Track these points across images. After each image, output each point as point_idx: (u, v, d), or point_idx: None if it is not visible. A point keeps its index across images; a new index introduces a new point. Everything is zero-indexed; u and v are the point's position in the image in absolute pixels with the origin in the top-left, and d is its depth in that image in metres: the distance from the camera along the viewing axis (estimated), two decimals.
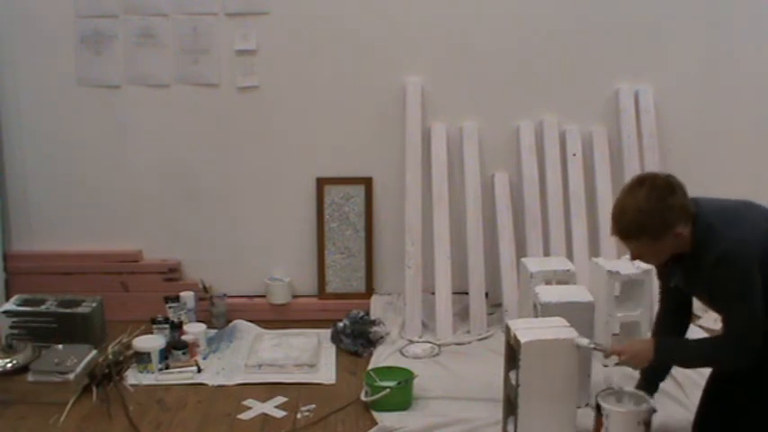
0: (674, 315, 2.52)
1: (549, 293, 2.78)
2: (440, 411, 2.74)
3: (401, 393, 2.77)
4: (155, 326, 3.21)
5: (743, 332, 2.16)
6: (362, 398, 2.79)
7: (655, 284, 3.30)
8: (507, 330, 2.48)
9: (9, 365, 2.99)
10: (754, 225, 2.22)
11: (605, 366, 3.07)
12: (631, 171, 3.58)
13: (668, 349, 2.35)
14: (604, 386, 2.65)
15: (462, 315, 3.54)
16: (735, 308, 2.18)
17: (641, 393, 2.43)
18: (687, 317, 2.53)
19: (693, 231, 2.20)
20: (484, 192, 3.61)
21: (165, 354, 3.08)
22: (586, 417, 2.48)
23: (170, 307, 3.37)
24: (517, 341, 2.36)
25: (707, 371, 2.44)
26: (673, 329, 2.51)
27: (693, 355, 2.32)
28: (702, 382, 2.45)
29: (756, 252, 2.15)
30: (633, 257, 2.30)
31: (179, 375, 3.04)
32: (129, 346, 3.15)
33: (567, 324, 2.48)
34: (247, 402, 2.85)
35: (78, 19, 3.55)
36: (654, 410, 2.37)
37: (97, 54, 3.58)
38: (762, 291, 2.15)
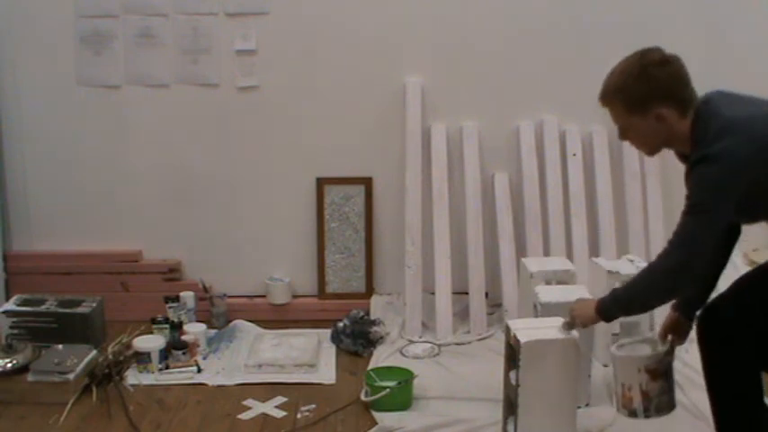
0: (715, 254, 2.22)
1: (549, 293, 2.77)
2: (440, 411, 2.74)
3: (401, 393, 2.77)
4: (155, 326, 3.21)
5: (680, 248, 1.98)
6: (362, 398, 2.79)
7: None
8: (507, 330, 2.47)
9: (9, 365, 2.98)
10: (755, 132, 1.94)
11: (605, 366, 3.08)
12: (631, 171, 3.59)
13: (608, 297, 2.22)
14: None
15: (462, 315, 3.54)
16: (684, 220, 1.99)
17: (657, 341, 2.31)
18: (727, 254, 2.29)
19: (693, 128, 2.03)
20: (484, 192, 3.61)
21: (165, 354, 3.08)
22: (587, 417, 2.48)
23: (170, 307, 3.36)
24: (517, 341, 2.36)
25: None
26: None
27: (634, 288, 2.14)
28: (704, 383, 2.43)
29: (744, 166, 1.92)
30: (619, 135, 2.18)
31: (179, 375, 3.04)
32: (129, 346, 3.15)
33: None
34: (247, 402, 2.84)
35: (78, 19, 3.55)
36: (661, 358, 2.23)
37: (97, 54, 3.58)
38: (739, 205, 1.94)
